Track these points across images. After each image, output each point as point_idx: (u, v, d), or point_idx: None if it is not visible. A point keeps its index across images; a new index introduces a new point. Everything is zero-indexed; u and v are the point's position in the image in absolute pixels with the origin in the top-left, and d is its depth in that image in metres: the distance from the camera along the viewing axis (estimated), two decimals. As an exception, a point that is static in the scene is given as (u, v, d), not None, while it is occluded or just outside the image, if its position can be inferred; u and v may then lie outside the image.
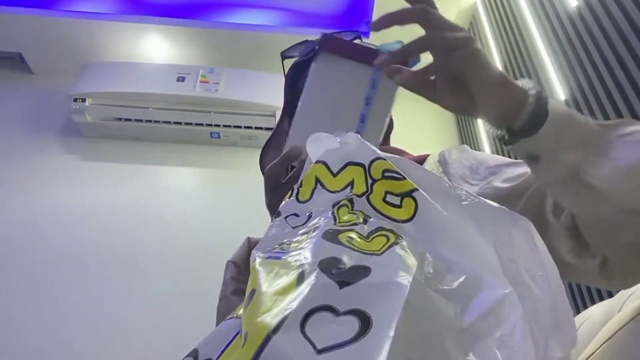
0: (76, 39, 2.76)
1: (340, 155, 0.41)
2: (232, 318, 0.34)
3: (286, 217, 0.40)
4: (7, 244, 2.28)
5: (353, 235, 0.34)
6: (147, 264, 2.27)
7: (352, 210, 0.38)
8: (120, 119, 2.62)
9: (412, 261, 0.30)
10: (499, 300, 0.31)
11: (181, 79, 2.58)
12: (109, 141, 2.72)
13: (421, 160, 0.73)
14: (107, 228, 2.37)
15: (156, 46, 2.83)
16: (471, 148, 0.75)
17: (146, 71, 2.64)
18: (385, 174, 0.38)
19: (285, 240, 0.36)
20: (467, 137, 2.88)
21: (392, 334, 0.25)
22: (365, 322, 0.26)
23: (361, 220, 0.36)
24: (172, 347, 1.75)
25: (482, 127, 2.66)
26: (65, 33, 2.71)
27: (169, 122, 2.63)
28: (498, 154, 2.43)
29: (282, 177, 0.58)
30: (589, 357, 0.56)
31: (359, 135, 0.42)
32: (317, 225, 0.36)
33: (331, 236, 0.33)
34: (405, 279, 0.28)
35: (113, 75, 2.60)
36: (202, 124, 2.64)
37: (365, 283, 0.28)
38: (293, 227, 0.38)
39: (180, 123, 2.64)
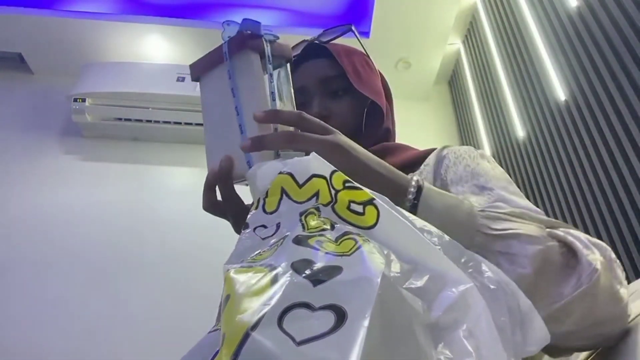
0: (76, 39, 2.76)
1: (304, 167, 0.42)
2: (216, 330, 0.34)
3: (255, 229, 0.40)
4: (7, 243, 2.28)
5: (322, 239, 0.35)
6: (146, 263, 2.27)
7: (319, 217, 0.39)
8: (120, 119, 2.62)
9: (380, 260, 0.32)
10: (462, 294, 0.33)
11: (181, 79, 2.58)
12: (109, 141, 2.72)
13: (427, 153, 0.73)
14: (107, 227, 2.37)
15: (156, 46, 2.83)
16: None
17: (146, 71, 2.64)
18: (346, 185, 0.40)
19: (256, 252, 0.37)
20: (467, 137, 2.88)
21: (367, 323, 0.26)
22: (341, 315, 0.27)
23: (328, 226, 0.37)
24: (171, 345, 1.74)
25: (482, 127, 2.66)
26: (65, 33, 2.71)
27: (169, 122, 2.63)
28: (498, 154, 2.43)
29: (218, 206, 0.59)
30: (589, 357, 0.56)
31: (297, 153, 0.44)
32: (286, 234, 0.37)
33: (301, 241, 0.35)
34: (375, 275, 0.29)
35: (113, 75, 2.60)
36: (202, 124, 2.63)
37: (338, 280, 0.29)
38: (262, 239, 0.39)
39: (180, 123, 2.64)
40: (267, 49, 0.55)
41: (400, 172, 0.53)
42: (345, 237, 0.35)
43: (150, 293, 2.18)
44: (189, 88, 2.55)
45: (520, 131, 2.19)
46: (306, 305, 0.28)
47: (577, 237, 0.50)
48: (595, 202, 1.62)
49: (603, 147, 1.58)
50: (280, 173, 0.42)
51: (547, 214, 1.91)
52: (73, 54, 2.79)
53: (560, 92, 1.85)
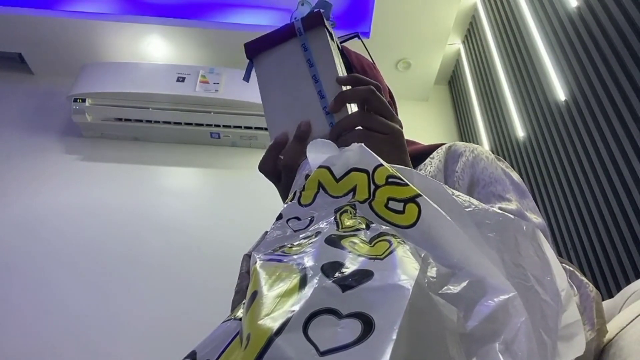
0: (76, 39, 2.76)
1: (343, 162, 0.41)
2: (230, 320, 0.34)
3: (288, 220, 0.40)
4: (7, 242, 2.28)
5: (356, 240, 0.34)
6: (146, 263, 2.27)
7: (354, 216, 0.38)
8: (120, 119, 2.62)
9: (414, 265, 0.30)
10: (502, 304, 0.31)
11: (181, 79, 2.58)
12: (109, 141, 2.73)
13: (432, 148, 0.72)
14: (107, 228, 2.37)
15: (156, 46, 2.83)
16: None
17: (146, 71, 2.64)
18: (389, 180, 0.38)
19: (286, 244, 0.36)
20: (467, 137, 2.88)
21: (394, 336, 0.25)
22: (368, 325, 0.26)
23: (364, 226, 0.36)
24: (172, 345, 1.75)
25: (482, 127, 2.66)
26: (65, 33, 2.71)
27: (169, 123, 2.63)
28: (498, 154, 2.43)
29: (276, 169, 0.59)
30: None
31: (361, 145, 0.42)
32: (318, 230, 0.36)
33: (334, 241, 0.33)
34: (407, 283, 0.28)
35: (113, 75, 2.60)
36: (202, 124, 2.64)
37: (367, 287, 0.28)
38: (295, 231, 0.38)
39: (180, 123, 2.64)
40: (330, 26, 0.61)
41: None
42: (380, 239, 0.34)
43: (150, 292, 2.18)
44: (189, 88, 2.56)
45: (520, 131, 2.19)
46: (333, 312, 0.27)
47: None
48: (595, 202, 1.62)
49: (603, 147, 1.58)
50: (320, 167, 0.41)
51: (547, 215, 1.89)
52: (73, 54, 2.79)
53: (560, 92, 1.85)
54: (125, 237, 2.34)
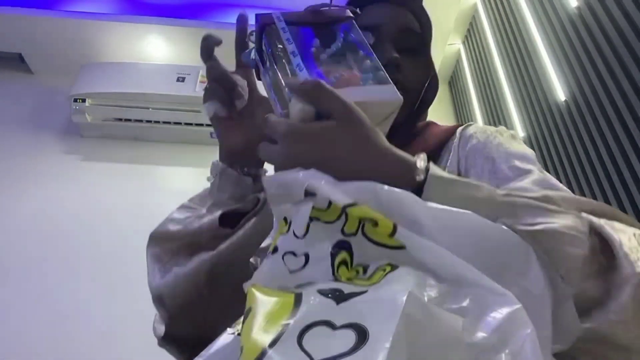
0: (76, 39, 2.76)
1: (323, 195, 0.38)
2: (233, 334, 0.34)
3: (283, 256, 0.38)
4: (6, 242, 2.28)
5: (354, 281, 0.34)
6: (146, 264, 2.27)
7: (352, 267, 0.36)
8: (120, 119, 2.62)
9: (409, 279, 0.31)
10: (507, 317, 0.30)
11: (181, 79, 2.58)
12: (109, 141, 2.72)
13: (452, 130, 0.68)
14: (107, 228, 2.37)
15: (156, 46, 2.83)
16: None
17: (146, 71, 2.64)
18: (361, 225, 0.36)
19: (282, 286, 0.36)
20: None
21: (388, 345, 0.25)
22: (362, 335, 0.26)
23: (361, 271, 0.35)
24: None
25: (480, 121, 2.66)
26: (65, 33, 2.71)
27: (169, 123, 2.63)
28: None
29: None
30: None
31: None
32: (312, 282, 0.35)
33: (329, 292, 0.33)
34: (401, 293, 0.28)
35: (113, 75, 2.59)
36: (202, 124, 2.64)
37: (361, 299, 0.29)
38: (290, 271, 0.37)
39: (180, 123, 2.64)
40: (280, 23, 0.52)
41: (407, 160, 0.42)
42: (376, 272, 0.34)
43: (149, 293, 2.17)
44: (189, 88, 2.55)
45: (520, 131, 2.19)
46: (328, 324, 0.27)
47: (620, 230, 0.40)
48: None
49: (603, 147, 1.58)
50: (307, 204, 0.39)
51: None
52: (73, 54, 2.78)
53: (560, 92, 1.85)
54: (125, 237, 2.34)
